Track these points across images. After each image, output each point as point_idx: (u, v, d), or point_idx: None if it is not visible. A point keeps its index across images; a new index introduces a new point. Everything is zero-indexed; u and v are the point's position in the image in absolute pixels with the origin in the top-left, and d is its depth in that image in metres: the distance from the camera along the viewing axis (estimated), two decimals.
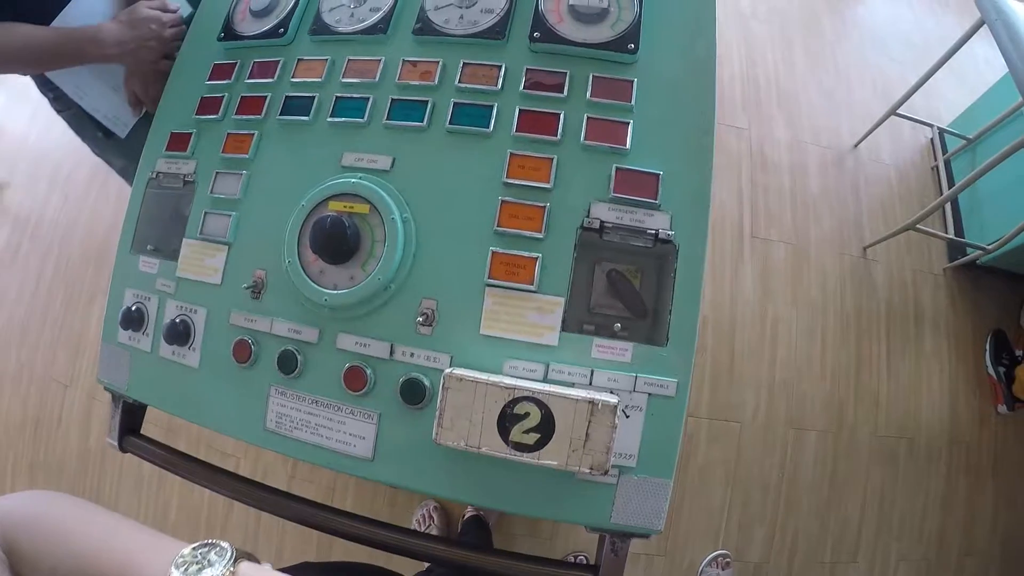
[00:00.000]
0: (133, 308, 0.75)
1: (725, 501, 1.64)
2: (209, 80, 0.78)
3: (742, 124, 2.08)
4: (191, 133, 0.77)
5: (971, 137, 1.95)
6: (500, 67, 0.66)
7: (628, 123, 0.63)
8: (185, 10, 0.91)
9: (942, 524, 1.70)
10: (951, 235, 1.94)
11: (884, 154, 2.13)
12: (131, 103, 0.95)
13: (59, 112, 1.04)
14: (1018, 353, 1.85)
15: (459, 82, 0.66)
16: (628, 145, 0.63)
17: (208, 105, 0.77)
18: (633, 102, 0.64)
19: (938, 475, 1.73)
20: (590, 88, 0.65)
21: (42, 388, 1.90)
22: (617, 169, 0.62)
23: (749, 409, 1.71)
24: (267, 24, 0.76)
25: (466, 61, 0.67)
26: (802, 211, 2.00)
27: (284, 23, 0.75)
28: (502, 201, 0.62)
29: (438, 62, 0.68)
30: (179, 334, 0.71)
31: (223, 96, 0.76)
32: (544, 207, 0.62)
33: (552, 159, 0.63)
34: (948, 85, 2.10)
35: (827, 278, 1.91)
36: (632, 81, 0.65)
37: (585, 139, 0.63)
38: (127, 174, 0.91)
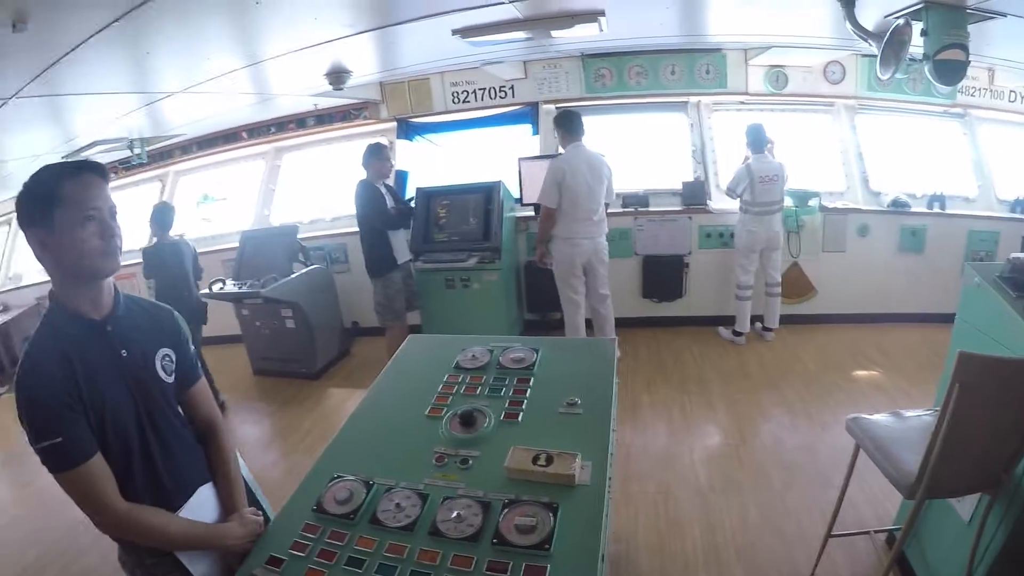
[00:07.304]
0: None
1: None
2: (302, 532, 1.33)
3: None
4: (284, 559, 1.28)
5: (904, 525, 2.11)
6: (473, 558, 1.23)
7: None
8: None
9: None
10: None
11: (841, 570, 2.38)
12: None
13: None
14: None
15: (450, 564, 1.22)
16: None
17: (298, 546, 1.30)
18: None
19: None
20: (522, 572, 1.20)
21: None
22: None
23: None
24: (344, 509, 1.37)
25: (455, 554, 1.24)
26: None
27: (354, 512, 1.36)
28: None
29: (439, 552, 1.25)
30: None
31: (310, 544, 1.30)
32: None
33: None
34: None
35: None
36: (546, 567, 1.20)
37: None
38: None
